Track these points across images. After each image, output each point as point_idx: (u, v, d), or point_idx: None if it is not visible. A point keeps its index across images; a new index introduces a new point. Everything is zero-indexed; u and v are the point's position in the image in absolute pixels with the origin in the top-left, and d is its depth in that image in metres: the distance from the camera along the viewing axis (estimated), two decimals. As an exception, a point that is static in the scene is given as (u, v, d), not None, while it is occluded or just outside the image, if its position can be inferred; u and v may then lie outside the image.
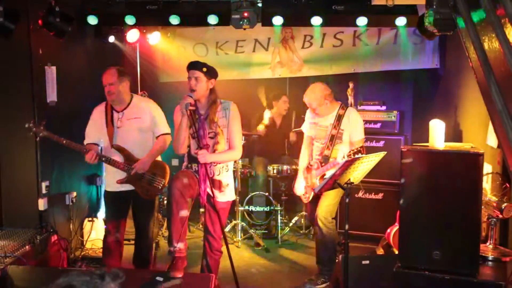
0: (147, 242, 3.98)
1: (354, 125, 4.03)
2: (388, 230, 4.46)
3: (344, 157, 3.76)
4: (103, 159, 3.70)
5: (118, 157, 3.73)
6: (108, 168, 3.86)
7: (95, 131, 3.83)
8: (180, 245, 3.28)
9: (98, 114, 3.84)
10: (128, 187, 3.78)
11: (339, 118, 4.05)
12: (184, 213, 3.26)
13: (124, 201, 3.87)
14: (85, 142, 3.82)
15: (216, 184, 3.45)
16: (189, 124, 3.34)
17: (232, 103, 3.54)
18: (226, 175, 3.55)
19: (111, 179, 3.81)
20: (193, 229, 5.59)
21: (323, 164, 4.05)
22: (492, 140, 3.55)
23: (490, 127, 3.61)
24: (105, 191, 3.95)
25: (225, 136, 3.47)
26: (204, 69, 3.41)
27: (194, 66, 3.44)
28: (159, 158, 3.92)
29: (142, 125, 3.79)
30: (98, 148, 3.84)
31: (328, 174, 3.99)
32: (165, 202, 5.58)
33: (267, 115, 5.73)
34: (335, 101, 4.14)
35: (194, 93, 3.38)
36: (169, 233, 3.33)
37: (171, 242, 3.29)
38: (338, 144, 4.03)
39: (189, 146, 3.49)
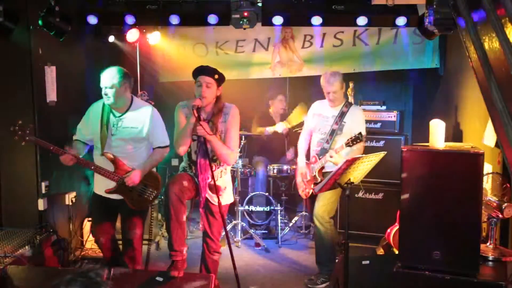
0: (133, 255, 3.71)
1: (356, 120, 4.06)
2: (388, 230, 4.46)
3: (343, 146, 3.79)
4: (81, 163, 3.50)
5: (108, 166, 3.52)
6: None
7: (88, 129, 3.63)
8: (180, 248, 3.27)
9: (94, 113, 3.61)
10: (117, 196, 3.58)
11: (342, 114, 4.09)
12: (182, 216, 3.25)
13: (111, 208, 3.68)
14: (75, 137, 3.65)
15: (214, 189, 3.39)
16: (192, 125, 3.27)
17: (233, 107, 3.46)
18: (224, 179, 3.54)
19: (101, 183, 3.61)
20: (193, 229, 5.59)
21: (320, 157, 4.05)
22: (489, 139, 3.55)
23: (488, 126, 3.60)
24: (93, 193, 3.76)
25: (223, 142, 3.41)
26: (216, 76, 3.30)
27: (205, 71, 3.31)
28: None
29: (139, 135, 3.55)
30: (85, 148, 3.67)
31: (327, 166, 4.00)
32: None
33: (281, 126, 5.70)
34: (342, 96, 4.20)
35: (204, 99, 3.28)
36: (168, 237, 3.32)
37: (171, 246, 3.28)
38: (338, 136, 4.04)
39: (189, 148, 3.44)
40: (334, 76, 4.08)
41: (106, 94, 3.45)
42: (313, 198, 4.18)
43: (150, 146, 3.66)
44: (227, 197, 3.57)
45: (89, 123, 3.63)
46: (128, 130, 3.53)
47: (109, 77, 3.45)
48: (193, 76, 3.40)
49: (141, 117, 3.56)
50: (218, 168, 3.48)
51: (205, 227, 3.54)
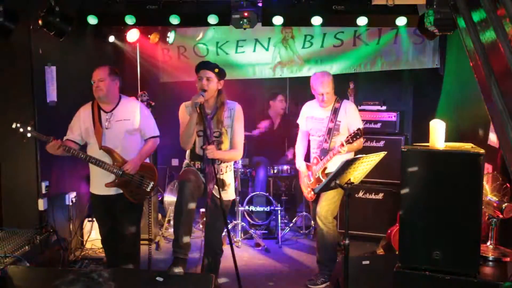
0: (131, 251, 3.79)
1: (350, 116, 4.06)
2: (389, 231, 4.46)
3: (343, 145, 3.79)
4: (72, 151, 3.50)
5: (106, 159, 3.60)
6: (94, 170, 3.70)
7: (79, 128, 3.69)
8: (184, 246, 3.28)
9: (84, 113, 3.71)
10: (115, 190, 3.66)
11: (335, 111, 4.08)
12: (192, 213, 3.29)
13: (111, 205, 3.73)
14: (66, 137, 3.68)
15: (220, 183, 3.43)
16: (197, 121, 3.35)
17: (237, 104, 3.56)
18: (229, 175, 3.59)
19: (98, 181, 3.69)
20: (193, 229, 5.59)
21: (322, 158, 4.05)
22: (494, 139, 3.55)
23: (492, 127, 3.60)
24: (91, 194, 3.83)
25: (229, 136, 3.49)
26: (216, 70, 3.43)
27: (206, 66, 3.44)
28: (147, 160, 3.84)
29: (131, 127, 3.68)
30: (76, 147, 3.67)
31: (329, 166, 4.00)
32: (165, 201, 5.59)
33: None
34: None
35: (206, 93, 3.38)
36: (176, 234, 3.30)
37: (177, 243, 3.27)
38: (336, 136, 4.04)
39: (193, 144, 3.49)
40: (325, 76, 4.06)
41: (97, 87, 3.60)
42: (315, 198, 4.18)
43: (141, 138, 3.79)
44: (231, 193, 3.63)
45: (81, 121, 3.71)
46: (121, 123, 3.66)
47: (101, 71, 3.65)
48: (195, 72, 3.50)
49: (131, 110, 3.72)
50: (223, 162, 3.54)
51: (208, 223, 3.56)
